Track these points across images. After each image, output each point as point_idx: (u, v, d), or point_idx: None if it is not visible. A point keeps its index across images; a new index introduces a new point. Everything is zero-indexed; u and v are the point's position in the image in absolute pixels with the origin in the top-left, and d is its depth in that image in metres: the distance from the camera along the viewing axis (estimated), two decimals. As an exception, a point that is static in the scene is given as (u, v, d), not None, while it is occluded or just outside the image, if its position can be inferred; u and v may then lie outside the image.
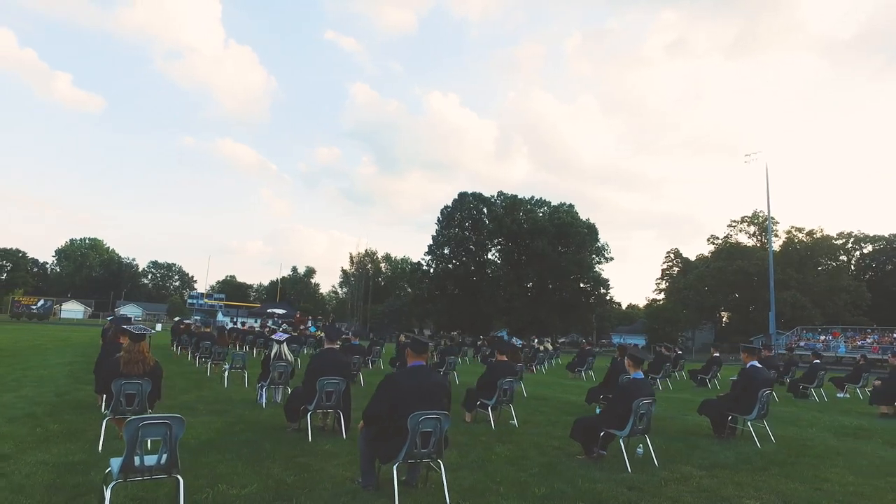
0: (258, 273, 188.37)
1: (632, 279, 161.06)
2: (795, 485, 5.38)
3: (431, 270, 68.24)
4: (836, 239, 59.86)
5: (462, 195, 68.31)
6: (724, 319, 66.98)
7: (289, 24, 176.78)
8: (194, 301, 60.24)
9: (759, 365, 7.53)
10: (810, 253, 52.30)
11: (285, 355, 9.19)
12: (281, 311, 45.99)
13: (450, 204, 68.47)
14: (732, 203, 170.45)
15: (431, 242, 68.05)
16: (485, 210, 68.12)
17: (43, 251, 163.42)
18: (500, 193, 69.14)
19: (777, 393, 14.15)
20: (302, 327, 28.12)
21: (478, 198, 68.43)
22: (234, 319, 52.89)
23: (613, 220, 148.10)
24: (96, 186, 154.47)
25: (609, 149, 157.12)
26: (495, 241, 67.86)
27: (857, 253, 62.14)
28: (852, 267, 60.85)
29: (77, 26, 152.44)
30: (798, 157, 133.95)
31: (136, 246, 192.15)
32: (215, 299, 62.98)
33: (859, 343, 39.16)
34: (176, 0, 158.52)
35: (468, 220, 67.59)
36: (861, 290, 49.49)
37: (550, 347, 23.83)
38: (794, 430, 8.60)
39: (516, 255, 66.73)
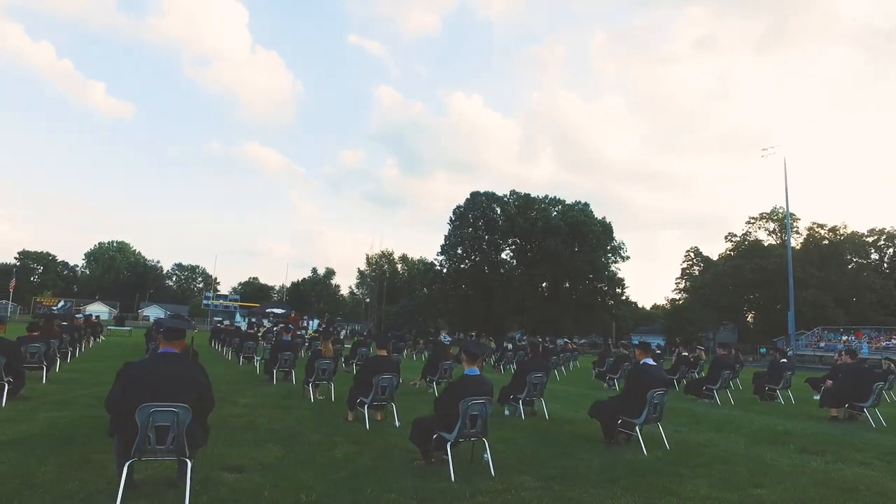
0: (284, 275, 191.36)
1: (658, 279, 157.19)
2: (631, 499, 4.68)
3: (444, 270, 67.73)
4: (866, 235, 56.86)
5: (474, 194, 67.62)
6: (749, 319, 64.43)
7: (314, 29, 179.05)
8: (208, 302, 61.36)
9: (653, 363, 6.78)
10: (834, 250, 49.57)
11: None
12: (280, 311, 46.31)
13: (462, 203, 67.87)
14: (761, 201, 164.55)
15: (444, 242, 67.53)
16: (497, 209, 67.28)
17: (73, 254, 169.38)
18: (513, 192, 68.25)
19: (741, 396, 13.22)
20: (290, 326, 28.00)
21: (490, 197, 67.63)
22: (250, 320, 53.74)
23: (640, 220, 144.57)
24: (125, 190, 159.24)
25: (635, 148, 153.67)
26: (508, 240, 66.98)
27: (891, 250, 58.80)
28: (885, 264, 57.62)
29: (110, 36, 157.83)
30: (830, 153, 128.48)
31: (163, 248, 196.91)
32: (230, 300, 63.97)
33: (884, 344, 36.96)
34: (204, 8, 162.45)
35: (481, 219, 66.84)
36: (888, 288, 46.56)
37: (533, 347, 22.92)
38: (710, 435, 7.79)
39: (529, 255, 65.73)
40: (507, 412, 8.77)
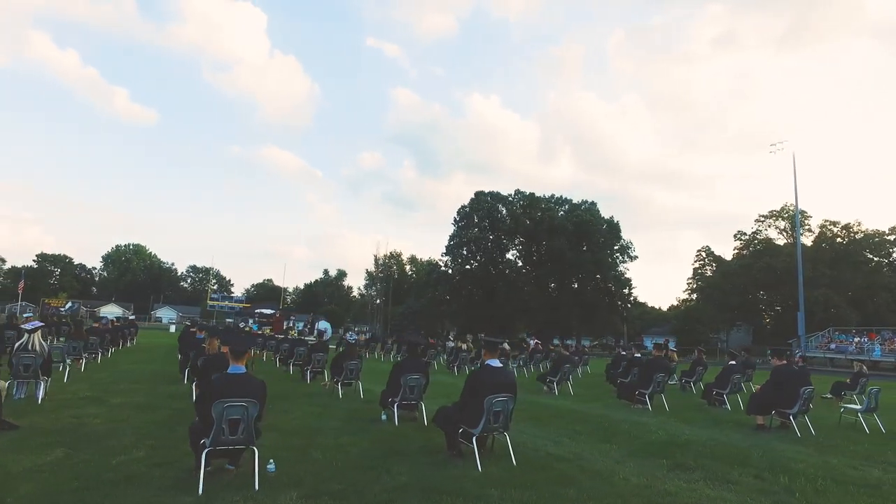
0: (298, 277, 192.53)
1: (677, 280, 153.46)
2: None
3: (450, 271, 66.96)
4: (888, 234, 54.23)
5: (479, 194, 66.72)
6: (766, 320, 62.04)
7: (332, 33, 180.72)
8: (213, 304, 61.89)
9: (498, 364, 5.98)
10: (847, 248, 47.19)
11: (34, 346, 8.37)
12: (268, 312, 46.31)
13: (467, 204, 67.02)
14: (780, 199, 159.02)
15: (449, 242, 66.69)
16: (503, 210, 66.25)
17: (91, 256, 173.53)
18: (518, 192, 67.18)
19: (688, 402, 12.27)
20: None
21: (495, 197, 66.64)
22: (250, 321, 53.98)
23: (659, 220, 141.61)
24: (143, 193, 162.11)
25: (655, 147, 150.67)
26: (514, 240, 65.90)
27: (915, 248, 55.86)
28: (908, 264, 54.79)
29: (133, 44, 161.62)
30: (850, 150, 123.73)
31: (178, 250, 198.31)
32: (235, 301, 64.35)
33: (897, 347, 34.89)
34: (224, 14, 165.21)
35: (486, 219, 65.91)
36: (904, 288, 44.17)
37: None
38: (590, 446, 6.90)
39: (535, 255, 64.58)
40: (383, 417, 8.05)
